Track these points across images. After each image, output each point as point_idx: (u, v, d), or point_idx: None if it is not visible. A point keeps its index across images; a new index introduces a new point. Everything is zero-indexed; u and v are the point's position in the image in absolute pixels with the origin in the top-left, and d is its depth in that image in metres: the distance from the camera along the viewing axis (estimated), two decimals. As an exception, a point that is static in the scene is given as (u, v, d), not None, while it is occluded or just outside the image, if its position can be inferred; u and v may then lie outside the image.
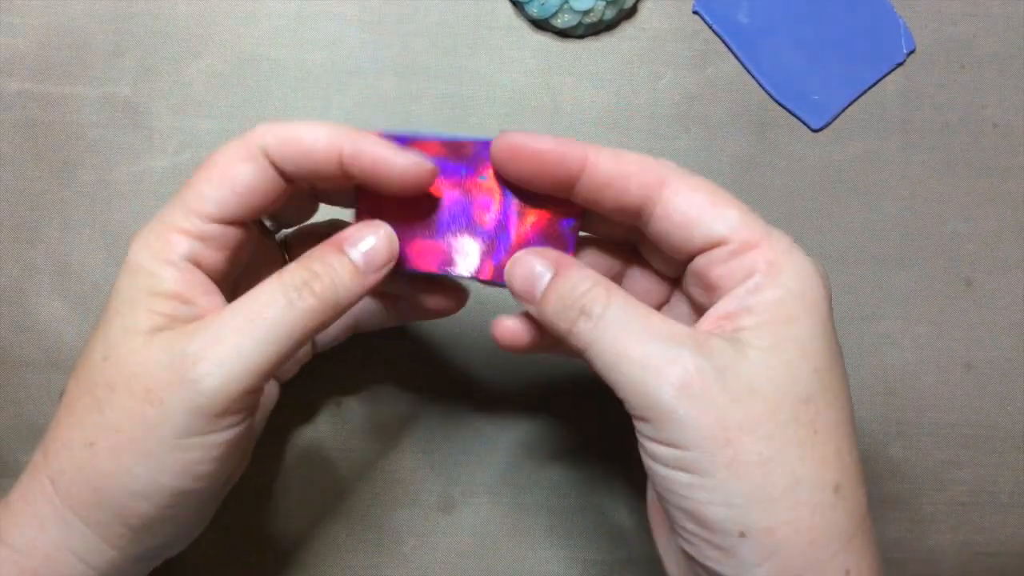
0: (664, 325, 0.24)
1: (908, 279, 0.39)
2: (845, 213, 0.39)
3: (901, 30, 0.40)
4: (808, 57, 0.40)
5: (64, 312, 0.38)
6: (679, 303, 0.29)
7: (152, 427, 0.24)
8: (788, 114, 0.40)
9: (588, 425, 0.38)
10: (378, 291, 0.30)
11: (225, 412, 0.24)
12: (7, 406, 0.37)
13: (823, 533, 0.23)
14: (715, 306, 0.25)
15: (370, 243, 0.27)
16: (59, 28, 0.39)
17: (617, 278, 0.30)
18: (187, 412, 0.24)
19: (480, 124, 0.39)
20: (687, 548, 0.24)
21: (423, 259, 0.28)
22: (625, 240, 0.30)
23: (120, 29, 0.39)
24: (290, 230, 0.32)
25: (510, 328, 0.29)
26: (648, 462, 0.24)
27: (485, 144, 0.27)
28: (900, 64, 0.40)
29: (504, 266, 0.28)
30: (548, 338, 0.28)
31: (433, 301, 0.31)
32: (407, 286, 0.32)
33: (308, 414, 0.35)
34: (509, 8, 0.40)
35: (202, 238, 0.26)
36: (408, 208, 0.28)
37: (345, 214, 0.30)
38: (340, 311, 0.26)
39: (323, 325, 0.26)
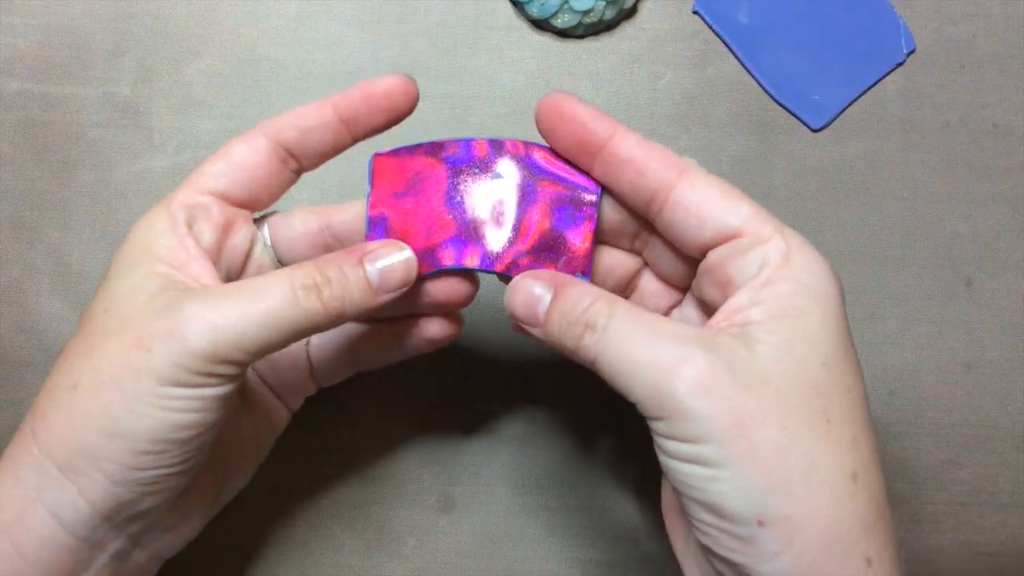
0: (670, 327, 0.25)
1: (908, 279, 0.39)
2: (845, 213, 0.39)
3: (901, 30, 0.40)
4: (808, 57, 0.40)
5: (64, 312, 0.38)
6: (687, 309, 0.30)
7: (135, 370, 0.24)
8: (788, 114, 0.40)
9: (588, 425, 0.38)
10: (381, 314, 0.30)
11: (209, 373, 0.25)
12: (7, 406, 0.37)
13: (842, 520, 0.23)
14: (728, 301, 0.25)
15: (389, 262, 0.27)
16: (59, 28, 0.39)
17: (634, 279, 0.30)
18: (172, 364, 0.24)
19: (480, 124, 0.39)
20: (705, 541, 0.24)
21: (439, 250, 0.29)
22: (632, 249, 0.30)
23: (120, 29, 0.39)
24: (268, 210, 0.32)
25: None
26: (664, 459, 0.24)
27: (499, 142, 0.28)
28: (900, 64, 0.40)
29: (521, 259, 0.28)
30: None
31: (433, 328, 0.32)
32: (412, 303, 0.31)
33: (308, 414, 0.35)
34: (509, 8, 0.40)
35: (198, 207, 0.28)
36: (423, 200, 0.28)
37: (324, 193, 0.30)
38: (341, 322, 0.27)
39: (320, 329, 0.26)
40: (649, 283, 0.30)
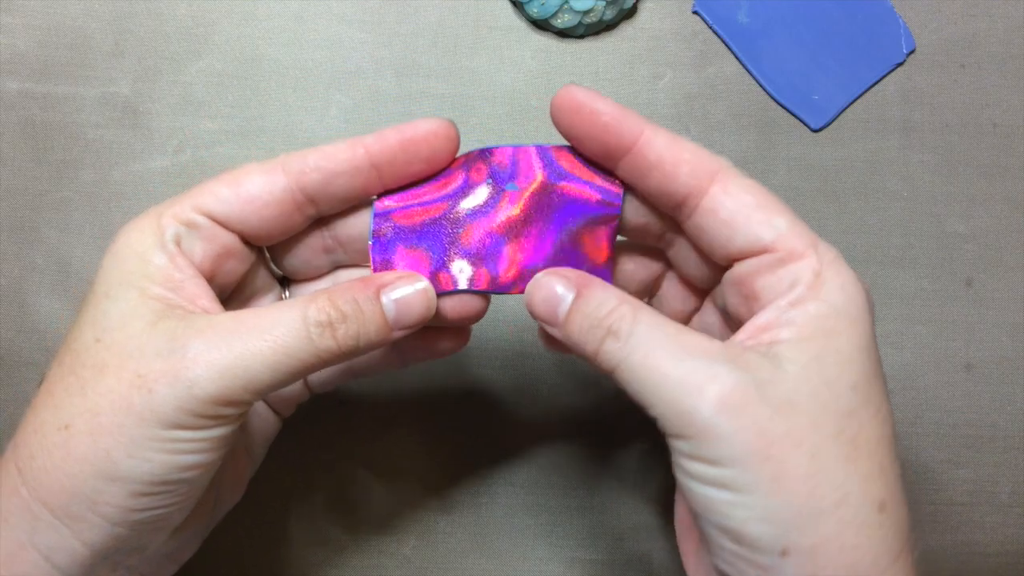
0: (697, 341, 0.23)
1: (908, 279, 0.39)
2: (845, 213, 0.39)
3: (901, 30, 0.40)
4: (808, 57, 0.40)
5: (64, 312, 0.38)
6: (708, 313, 0.29)
7: (137, 413, 0.23)
8: (788, 114, 0.40)
9: (588, 426, 0.38)
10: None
11: (214, 416, 0.24)
12: (7, 406, 0.37)
13: (868, 552, 0.22)
14: (754, 317, 0.24)
15: (406, 294, 0.26)
16: (59, 28, 0.39)
17: (657, 282, 0.30)
18: (176, 408, 0.23)
19: (480, 124, 0.39)
20: (723, 567, 0.23)
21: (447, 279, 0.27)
22: (656, 247, 0.29)
23: (120, 29, 0.39)
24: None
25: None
26: (685, 481, 0.23)
27: (513, 150, 0.27)
28: (900, 64, 0.40)
29: (522, 273, 0.27)
30: None
31: (442, 343, 0.30)
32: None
33: (309, 414, 0.35)
34: (509, 8, 0.40)
35: (191, 225, 0.26)
36: (429, 221, 0.27)
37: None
38: (354, 356, 0.26)
39: (330, 365, 0.25)
40: (670, 287, 0.29)
